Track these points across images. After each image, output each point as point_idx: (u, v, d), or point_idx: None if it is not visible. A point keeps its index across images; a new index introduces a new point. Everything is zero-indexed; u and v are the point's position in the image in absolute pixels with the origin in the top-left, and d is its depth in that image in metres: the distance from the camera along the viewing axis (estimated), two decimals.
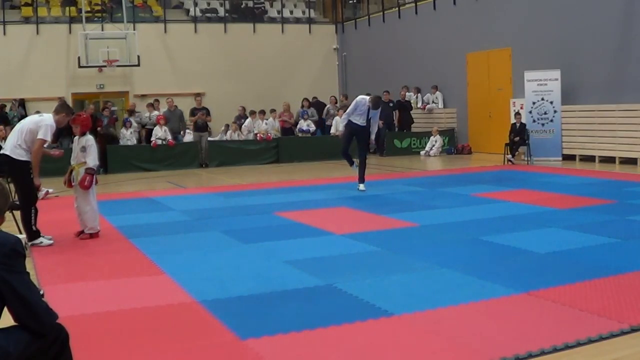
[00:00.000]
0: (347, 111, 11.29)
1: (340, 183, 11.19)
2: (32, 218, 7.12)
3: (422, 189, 11.06)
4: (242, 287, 5.21)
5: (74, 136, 7.66)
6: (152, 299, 5.00)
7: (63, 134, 15.19)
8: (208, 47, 21.98)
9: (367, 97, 11.02)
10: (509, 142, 15.11)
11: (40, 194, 8.87)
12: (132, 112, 17.88)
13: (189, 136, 17.49)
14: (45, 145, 7.18)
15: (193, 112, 17.62)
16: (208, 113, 17.58)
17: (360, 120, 10.96)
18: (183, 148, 16.72)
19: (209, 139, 17.31)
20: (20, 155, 7.06)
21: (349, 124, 11.11)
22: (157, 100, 18.03)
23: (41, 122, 7.10)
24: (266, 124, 18.09)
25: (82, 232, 7.53)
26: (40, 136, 7.02)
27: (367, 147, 11.45)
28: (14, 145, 7.06)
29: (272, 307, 4.69)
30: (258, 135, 17.60)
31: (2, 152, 7.33)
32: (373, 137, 11.33)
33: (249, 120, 18.13)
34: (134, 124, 17.13)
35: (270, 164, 17.04)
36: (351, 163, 11.26)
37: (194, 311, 4.67)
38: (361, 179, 11.06)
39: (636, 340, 3.88)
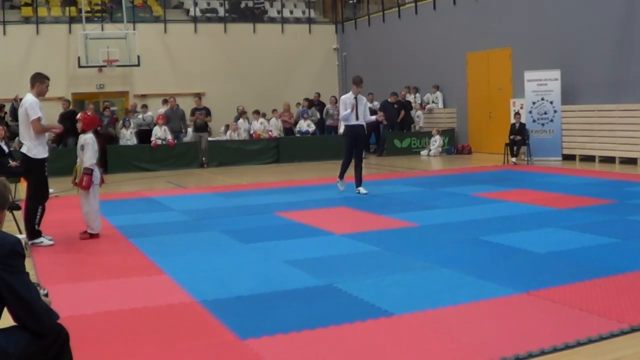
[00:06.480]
0: (341, 116, 10.88)
1: None
2: (37, 217, 7.14)
3: (422, 189, 11.05)
4: (242, 287, 5.21)
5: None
6: (152, 299, 5.00)
7: (68, 133, 15.18)
8: (208, 47, 21.98)
9: (349, 93, 10.62)
10: (509, 142, 15.11)
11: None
12: (130, 112, 17.83)
13: (189, 136, 17.49)
14: (40, 121, 7.12)
15: (193, 113, 17.59)
16: (208, 113, 17.53)
17: (356, 120, 10.60)
18: (183, 148, 16.71)
19: (209, 138, 17.27)
20: (37, 153, 7.12)
21: (350, 130, 10.64)
22: (145, 106, 17.91)
23: (26, 107, 7.10)
24: (261, 123, 18.03)
25: (86, 231, 7.54)
26: (31, 118, 7.06)
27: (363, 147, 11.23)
28: (31, 145, 7.11)
29: (272, 307, 4.69)
30: (254, 134, 17.62)
31: (21, 150, 7.41)
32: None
33: (240, 120, 18.10)
34: (132, 124, 17.11)
35: (270, 164, 17.03)
36: (342, 177, 10.90)
37: (194, 311, 4.67)
38: (359, 181, 10.75)
39: (636, 340, 3.88)
